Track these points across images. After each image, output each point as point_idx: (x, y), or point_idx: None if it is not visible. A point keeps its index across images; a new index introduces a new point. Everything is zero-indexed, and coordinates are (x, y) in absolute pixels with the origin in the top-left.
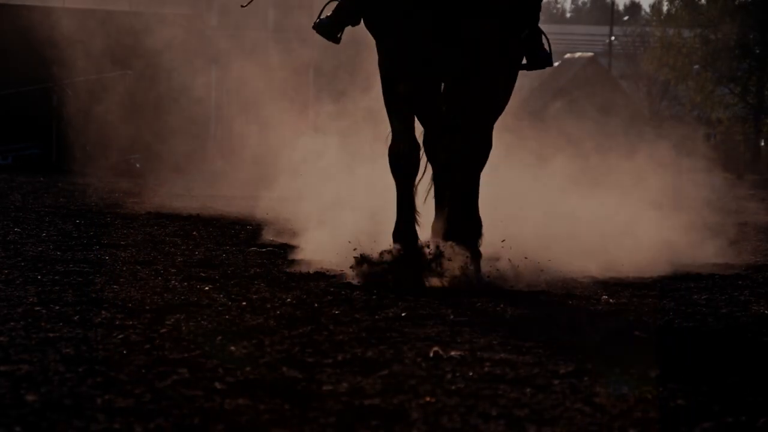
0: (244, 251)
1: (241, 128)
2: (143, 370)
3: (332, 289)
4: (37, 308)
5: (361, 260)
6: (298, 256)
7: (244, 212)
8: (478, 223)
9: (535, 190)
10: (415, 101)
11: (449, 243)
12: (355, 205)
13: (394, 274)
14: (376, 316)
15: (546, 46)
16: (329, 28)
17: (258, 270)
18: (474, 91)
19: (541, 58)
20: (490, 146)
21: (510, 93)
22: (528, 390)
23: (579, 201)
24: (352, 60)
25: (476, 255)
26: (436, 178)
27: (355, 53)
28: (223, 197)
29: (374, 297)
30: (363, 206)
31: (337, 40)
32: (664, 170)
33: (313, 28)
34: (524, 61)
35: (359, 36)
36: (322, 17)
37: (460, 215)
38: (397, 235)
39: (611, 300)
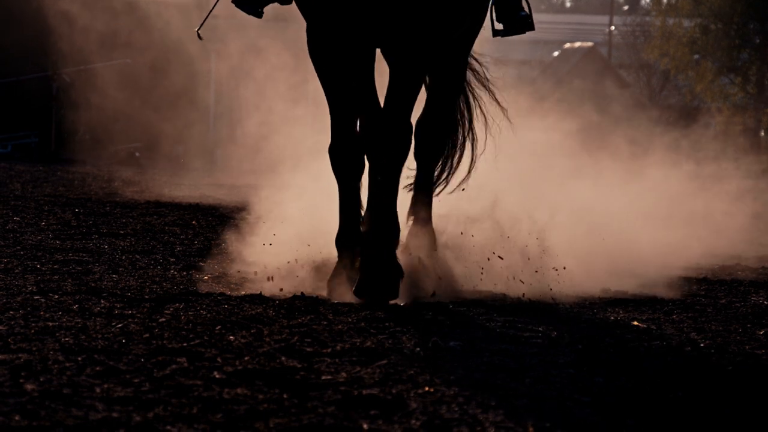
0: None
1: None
2: (142, 360)
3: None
4: (36, 297)
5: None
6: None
7: (244, 201)
8: (394, 226)
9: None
10: (347, 83)
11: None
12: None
13: (331, 284)
14: (375, 306)
15: (526, 7)
16: (251, 2)
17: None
18: (397, 78)
19: (518, 21)
20: (409, 138)
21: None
22: (527, 380)
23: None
24: None
25: (393, 263)
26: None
27: None
28: (222, 186)
29: None
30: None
31: (259, 15)
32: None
33: (233, 2)
34: (500, 27)
35: None
36: None
37: (376, 217)
38: (340, 242)
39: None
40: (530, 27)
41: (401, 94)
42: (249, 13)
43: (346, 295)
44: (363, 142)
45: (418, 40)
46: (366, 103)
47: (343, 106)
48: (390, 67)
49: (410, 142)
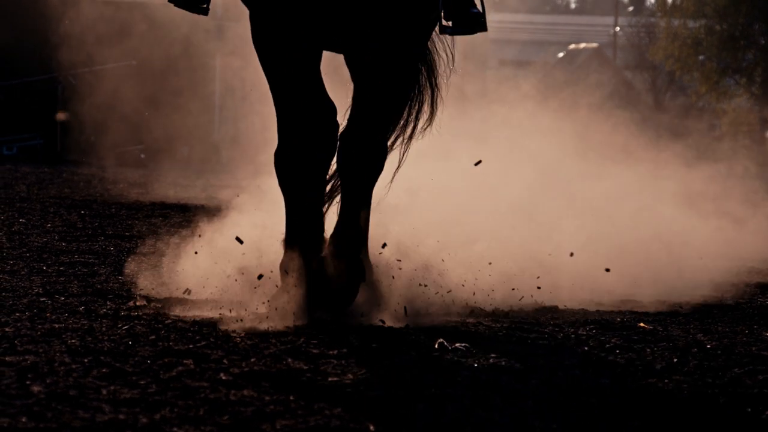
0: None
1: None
2: (148, 361)
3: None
4: (43, 299)
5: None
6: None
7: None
8: (360, 233)
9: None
10: (296, 78)
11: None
12: None
13: (274, 301)
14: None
15: (479, 4)
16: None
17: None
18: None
19: (468, 19)
20: (383, 156)
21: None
22: (533, 381)
23: None
24: None
25: (358, 271)
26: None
27: None
28: (228, 186)
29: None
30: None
31: (203, 11)
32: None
33: (170, 1)
34: (449, 24)
35: None
36: None
37: (345, 224)
38: (290, 240)
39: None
40: (482, 27)
41: (372, 109)
42: (191, 11)
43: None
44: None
45: (392, 36)
46: (311, 101)
47: (292, 103)
48: (356, 78)
49: (382, 160)
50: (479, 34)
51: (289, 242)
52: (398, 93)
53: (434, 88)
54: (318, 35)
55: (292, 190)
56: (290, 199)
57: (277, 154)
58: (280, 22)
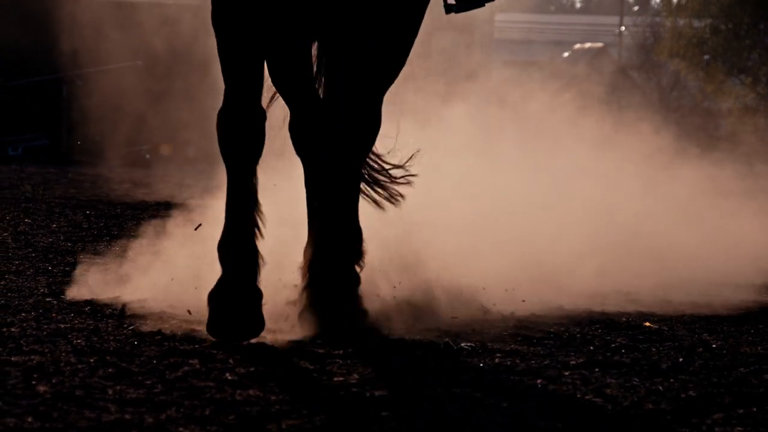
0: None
1: None
2: (154, 361)
3: None
4: (48, 299)
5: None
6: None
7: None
8: (357, 237)
9: None
10: (274, 66)
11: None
12: None
13: (211, 314)
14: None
15: None
16: None
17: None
18: (356, 50)
19: None
20: (377, 127)
21: (407, 51)
22: (539, 381)
23: None
24: None
25: (353, 282)
26: (308, 181)
27: None
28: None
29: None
30: None
31: (482, 4)
32: None
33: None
34: (452, 2)
35: None
36: None
37: (334, 225)
38: (224, 250)
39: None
40: (480, 3)
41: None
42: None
43: (233, 327)
44: (299, 136)
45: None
46: (301, 96)
47: (248, 68)
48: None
49: (377, 130)
50: (482, 34)
51: (230, 221)
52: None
53: None
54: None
55: (234, 160)
56: (232, 171)
57: (220, 115)
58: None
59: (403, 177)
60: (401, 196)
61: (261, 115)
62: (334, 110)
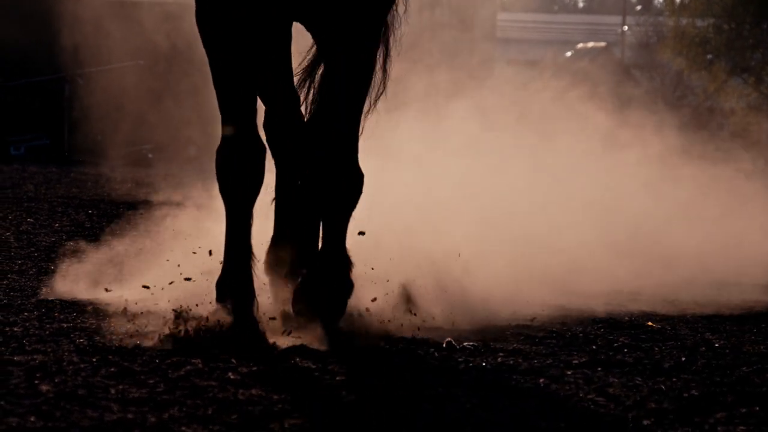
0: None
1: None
2: (157, 361)
3: None
4: (51, 298)
5: (179, 320)
6: None
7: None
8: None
9: None
10: (252, 66)
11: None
12: None
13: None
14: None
15: None
16: None
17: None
18: (355, 50)
19: None
20: (356, 140)
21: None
22: (541, 380)
23: None
24: None
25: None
26: (281, 181)
27: None
28: None
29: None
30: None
31: None
32: None
33: None
34: None
35: None
36: None
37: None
38: (224, 287)
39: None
40: None
41: (346, 93)
42: None
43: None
44: (273, 148)
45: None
46: (275, 95)
47: (240, 94)
48: (327, 54)
49: (359, 182)
50: (486, 34)
51: (230, 262)
52: (364, 76)
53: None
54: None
55: (234, 199)
56: (231, 209)
57: (219, 152)
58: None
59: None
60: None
61: (261, 150)
62: (333, 110)
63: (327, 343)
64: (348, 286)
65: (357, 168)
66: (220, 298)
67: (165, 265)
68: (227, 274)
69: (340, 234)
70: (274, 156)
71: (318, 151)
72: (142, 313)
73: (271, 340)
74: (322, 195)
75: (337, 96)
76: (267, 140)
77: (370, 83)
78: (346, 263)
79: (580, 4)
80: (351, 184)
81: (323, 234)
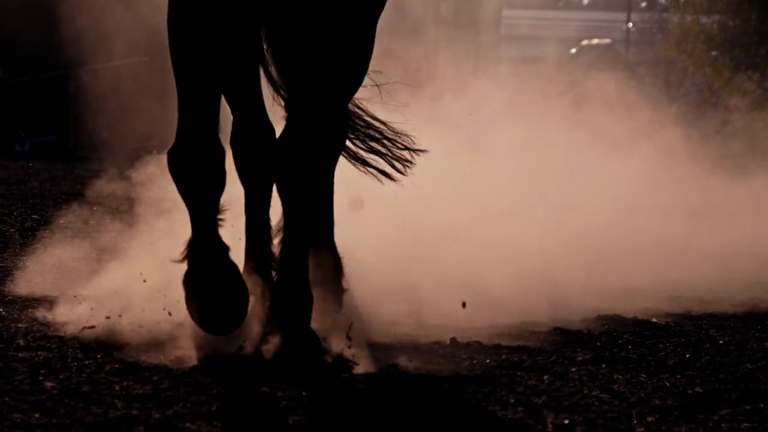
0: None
1: None
2: (161, 357)
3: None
4: (56, 294)
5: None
6: None
7: None
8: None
9: None
10: (218, 67)
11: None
12: None
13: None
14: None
15: None
16: None
17: None
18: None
19: None
20: (344, 136)
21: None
22: (546, 377)
23: None
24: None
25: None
26: (251, 203)
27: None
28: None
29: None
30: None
31: None
32: None
33: None
34: None
35: None
36: None
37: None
38: (189, 284)
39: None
40: None
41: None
42: None
43: None
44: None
45: None
46: (245, 101)
47: (202, 91)
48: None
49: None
50: (490, 33)
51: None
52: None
53: None
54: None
55: (194, 200)
56: (194, 210)
57: (171, 153)
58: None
59: (406, 148)
60: (408, 162)
61: (220, 153)
62: (311, 106)
63: (327, 342)
64: (307, 298)
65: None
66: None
67: (167, 263)
68: (195, 267)
69: (303, 231)
70: (241, 177)
71: (298, 147)
72: (143, 310)
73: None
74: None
75: (314, 92)
76: (234, 157)
77: (358, 81)
78: (304, 269)
79: (585, 1)
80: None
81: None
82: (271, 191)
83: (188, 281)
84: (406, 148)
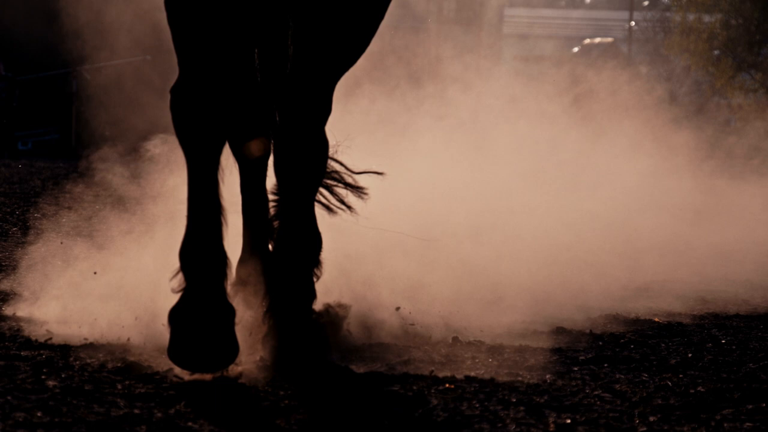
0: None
1: None
2: (164, 356)
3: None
4: (58, 293)
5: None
6: None
7: None
8: (315, 242)
9: None
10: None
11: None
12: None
13: (174, 333)
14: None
15: None
16: None
17: None
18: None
19: None
20: (328, 112)
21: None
22: (548, 376)
23: None
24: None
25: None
26: (245, 185)
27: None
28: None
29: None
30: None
31: None
32: None
33: None
34: None
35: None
36: None
37: (290, 231)
38: (186, 259)
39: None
40: None
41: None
42: None
43: (201, 355)
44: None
45: None
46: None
47: (212, 36)
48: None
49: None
50: (492, 32)
51: (193, 223)
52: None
53: None
54: None
55: (195, 148)
56: (193, 160)
57: (174, 91)
58: None
59: (357, 189)
60: (354, 207)
61: (226, 88)
62: (305, 77)
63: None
64: (309, 294)
65: (323, 136)
66: (185, 269)
67: (168, 261)
68: (191, 239)
69: (303, 218)
70: (234, 153)
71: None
72: (147, 309)
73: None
74: (286, 164)
75: (310, 65)
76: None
77: (351, 58)
78: (309, 284)
79: (587, 0)
80: (316, 152)
81: (284, 218)
82: (266, 166)
83: (175, 318)
84: (348, 186)
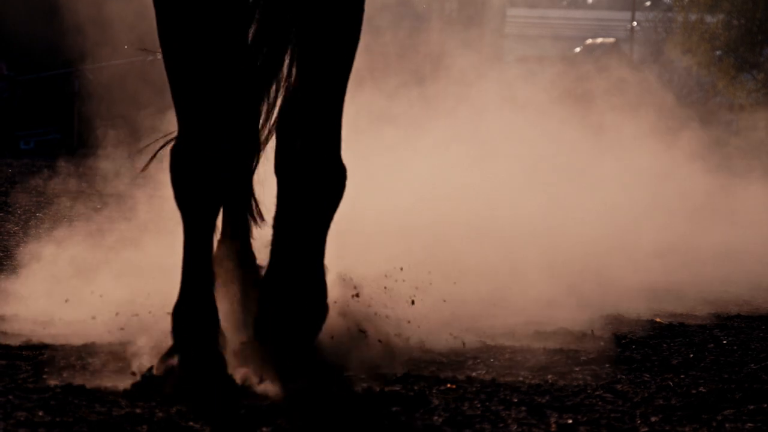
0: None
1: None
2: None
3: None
4: (61, 292)
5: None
6: None
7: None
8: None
9: None
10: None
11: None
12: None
13: (176, 381)
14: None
15: None
16: None
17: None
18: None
19: None
20: (339, 134)
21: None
22: (549, 376)
23: None
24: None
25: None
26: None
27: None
28: None
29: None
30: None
31: None
32: None
33: None
34: None
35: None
36: None
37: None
38: (180, 315)
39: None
40: None
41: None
42: None
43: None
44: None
45: None
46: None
47: (206, 84)
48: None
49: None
50: (493, 32)
51: (187, 284)
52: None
53: None
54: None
55: (193, 210)
56: (190, 221)
57: (174, 153)
58: None
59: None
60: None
61: (226, 148)
62: (312, 96)
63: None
64: (322, 310)
65: (339, 162)
66: (177, 329)
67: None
68: (186, 300)
69: (317, 241)
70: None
71: (295, 142)
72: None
73: (238, 379)
74: (300, 192)
75: (315, 82)
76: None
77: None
78: (322, 281)
79: (589, 0)
80: (333, 180)
81: (295, 240)
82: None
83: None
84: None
